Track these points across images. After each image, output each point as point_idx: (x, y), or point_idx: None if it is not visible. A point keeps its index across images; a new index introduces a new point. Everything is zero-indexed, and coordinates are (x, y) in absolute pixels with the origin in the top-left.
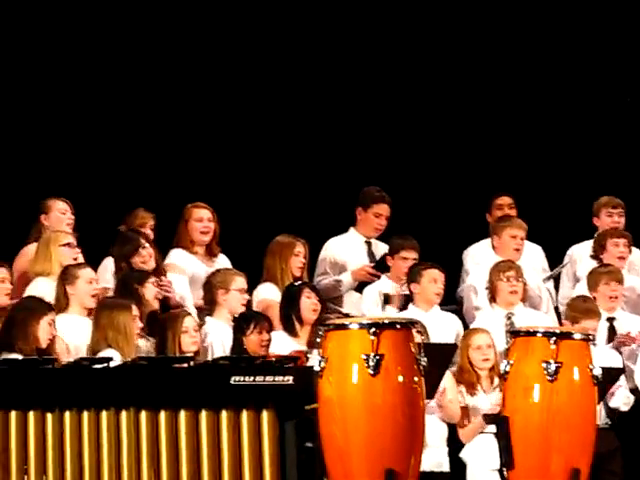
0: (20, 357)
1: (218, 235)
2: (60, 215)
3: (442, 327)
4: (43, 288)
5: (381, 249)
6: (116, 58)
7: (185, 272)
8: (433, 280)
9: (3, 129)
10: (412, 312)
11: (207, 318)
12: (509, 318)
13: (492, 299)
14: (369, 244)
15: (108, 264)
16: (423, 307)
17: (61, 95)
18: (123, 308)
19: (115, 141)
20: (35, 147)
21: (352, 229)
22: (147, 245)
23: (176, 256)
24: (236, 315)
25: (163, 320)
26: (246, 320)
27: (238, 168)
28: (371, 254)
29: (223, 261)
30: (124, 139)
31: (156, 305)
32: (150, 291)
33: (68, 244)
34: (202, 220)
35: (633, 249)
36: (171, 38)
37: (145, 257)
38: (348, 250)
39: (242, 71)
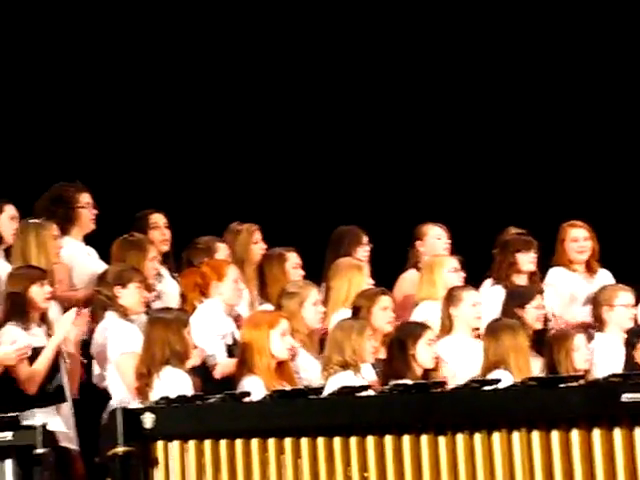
0: (409, 382)
1: (597, 252)
2: (436, 241)
3: None
4: (428, 312)
5: None
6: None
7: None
8: None
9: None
10: None
11: (596, 334)
12: None
13: None
14: None
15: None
16: None
17: None
18: (521, 329)
19: (489, 161)
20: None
21: None
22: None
23: (555, 275)
24: (625, 330)
25: (553, 339)
26: (637, 334)
27: (611, 182)
28: None
29: (605, 277)
30: (494, 160)
31: (538, 325)
32: (531, 314)
33: (454, 269)
34: (578, 240)
35: None
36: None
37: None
38: None
39: None
